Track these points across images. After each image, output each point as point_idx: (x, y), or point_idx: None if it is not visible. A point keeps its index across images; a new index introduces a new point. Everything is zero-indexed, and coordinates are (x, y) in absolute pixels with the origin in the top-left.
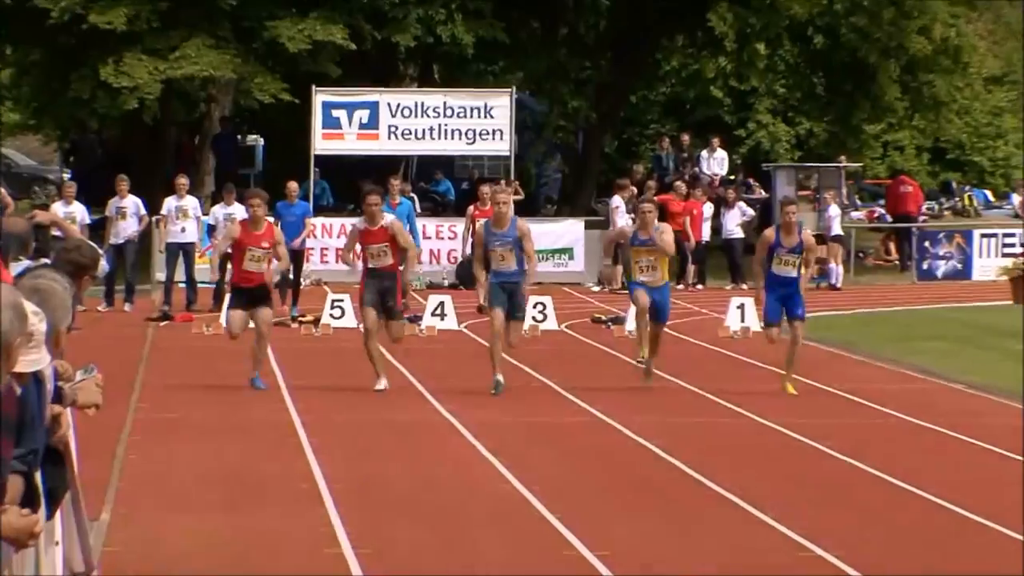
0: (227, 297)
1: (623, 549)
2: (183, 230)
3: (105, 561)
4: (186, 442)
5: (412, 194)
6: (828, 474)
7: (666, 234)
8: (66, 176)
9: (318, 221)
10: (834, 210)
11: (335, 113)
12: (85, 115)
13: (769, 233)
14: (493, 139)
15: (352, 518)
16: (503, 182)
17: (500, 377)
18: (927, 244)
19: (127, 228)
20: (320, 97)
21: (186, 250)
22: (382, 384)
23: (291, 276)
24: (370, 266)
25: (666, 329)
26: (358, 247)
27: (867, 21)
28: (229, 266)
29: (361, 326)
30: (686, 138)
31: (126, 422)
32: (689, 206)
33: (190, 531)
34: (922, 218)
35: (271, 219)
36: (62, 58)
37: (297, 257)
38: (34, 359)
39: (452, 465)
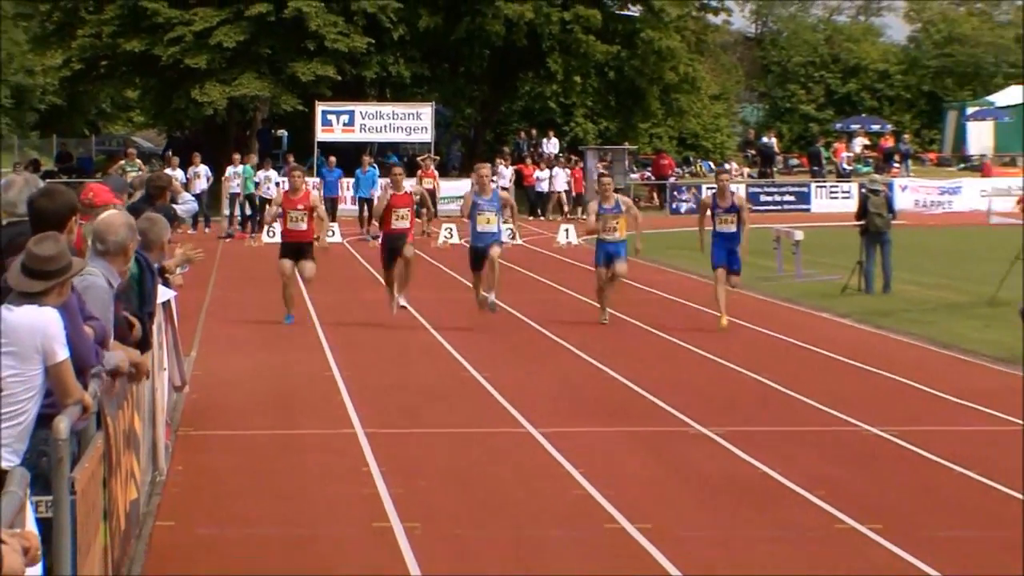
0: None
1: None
2: (236, 184)
3: (192, 379)
4: (246, 312)
5: (375, 164)
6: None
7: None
8: (170, 153)
9: (312, 180)
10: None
11: (328, 116)
12: (182, 118)
13: (707, 199)
14: (421, 133)
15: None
16: (429, 157)
17: (490, 297)
18: (676, 193)
19: (200, 184)
20: (320, 107)
21: (236, 196)
22: (401, 301)
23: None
24: (393, 227)
25: (523, 243)
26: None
27: (640, 62)
28: (277, 225)
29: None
30: (534, 132)
31: (206, 298)
32: (530, 170)
33: (244, 365)
34: (672, 178)
35: (309, 186)
36: (169, 85)
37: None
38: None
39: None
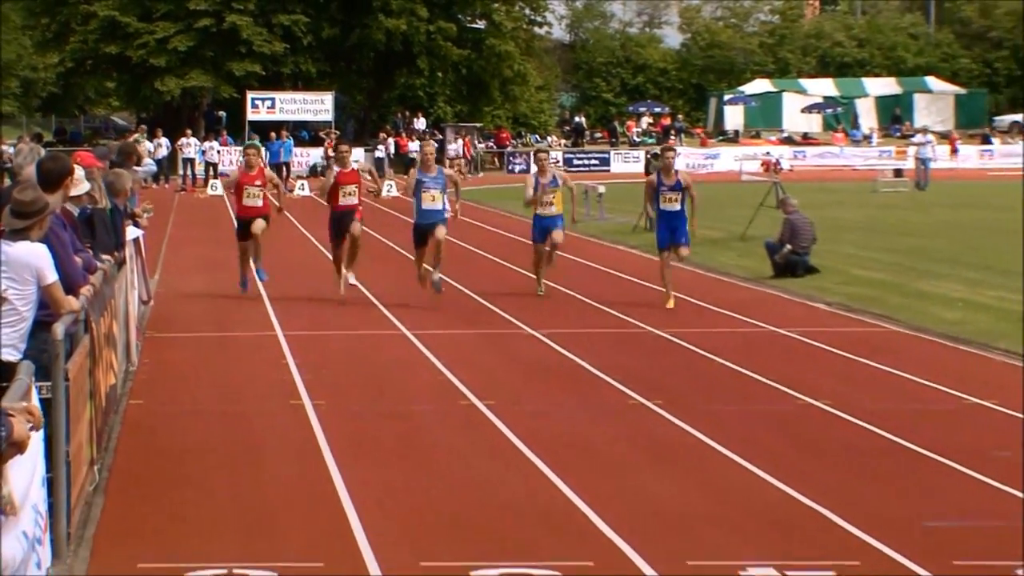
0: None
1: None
2: (188, 152)
3: (156, 295)
4: (196, 246)
5: (290, 137)
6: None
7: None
8: (143, 128)
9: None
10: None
11: (256, 102)
12: (148, 103)
13: (652, 178)
14: (324, 114)
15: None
16: (331, 131)
17: (435, 275)
18: (511, 158)
19: (161, 152)
20: (250, 95)
21: (189, 159)
22: (350, 280)
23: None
24: (341, 203)
25: (384, 207)
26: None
27: (484, 62)
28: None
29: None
30: (407, 113)
31: (166, 235)
32: (405, 142)
33: (195, 285)
34: (509, 147)
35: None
36: (138, 78)
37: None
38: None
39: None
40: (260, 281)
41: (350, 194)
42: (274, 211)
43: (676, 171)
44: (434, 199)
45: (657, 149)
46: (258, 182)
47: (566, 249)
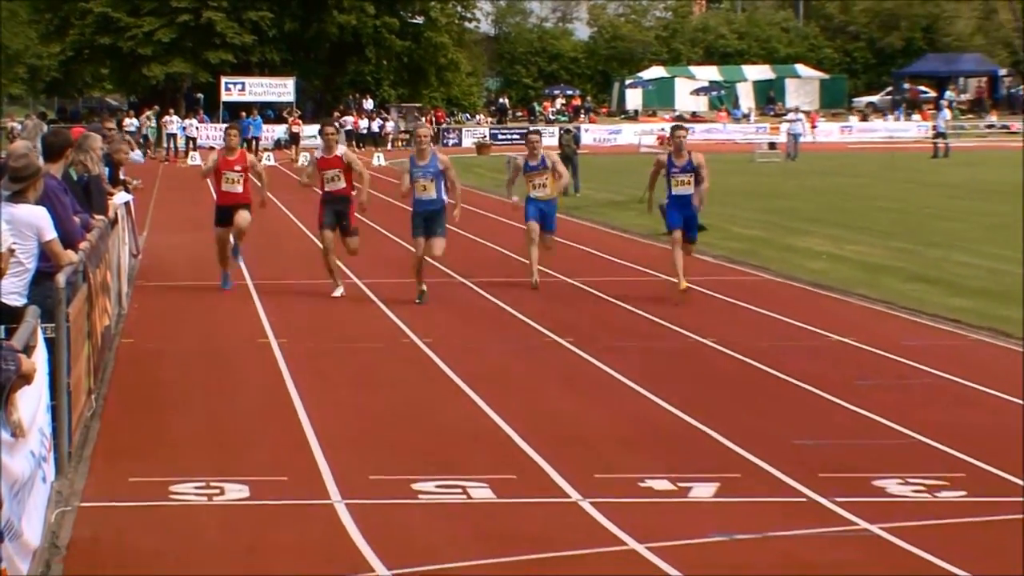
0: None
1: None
2: (172, 128)
3: (144, 250)
4: (179, 208)
5: (259, 116)
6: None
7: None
8: (155, 107)
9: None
10: (409, 126)
11: (229, 85)
12: (136, 87)
13: (662, 158)
14: (287, 96)
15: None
16: (294, 110)
17: (424, 287)
18: (445, 133)
19: (147, 127)
20: (224, 79)
21: (172, 134)
22: (338, 292)
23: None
24: (327, 190)
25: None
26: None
27: (423, 52)
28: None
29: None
30: (357, 95)
31: (153, 198)
32: (356, 119)
33: (177, 241)
34: (443, 124)
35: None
36: (128, 65)
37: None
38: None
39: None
40: (235, 258)
41: (334, 179)
42: (257, 203)
43: (688, 151)
44: (424, 188)
45: (667, 127)
46: (238, 167)
47: (490, 208)
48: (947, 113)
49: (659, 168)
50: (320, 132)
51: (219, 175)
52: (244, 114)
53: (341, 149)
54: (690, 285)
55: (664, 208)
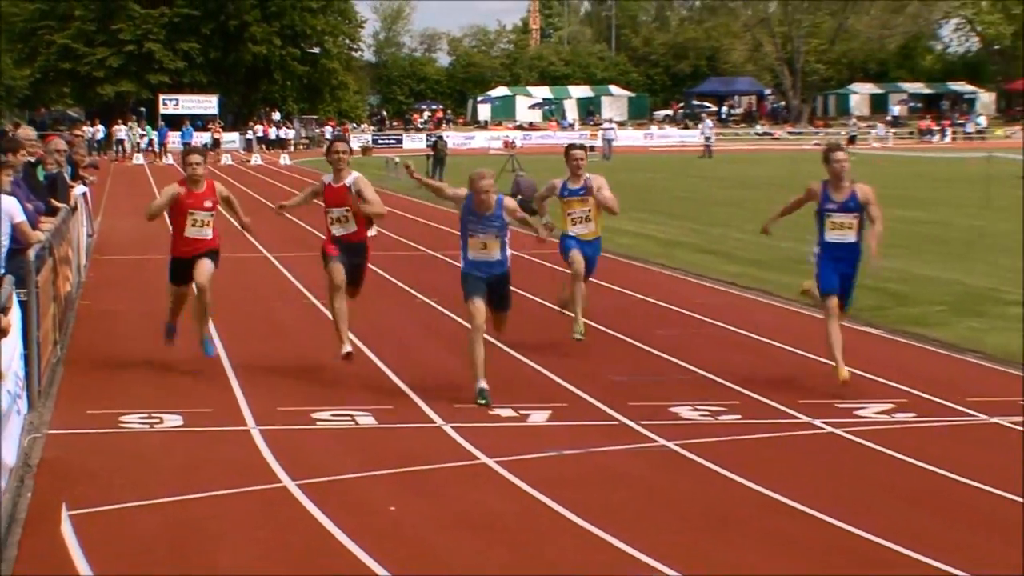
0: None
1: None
2: (120, 135)
3: (99, 231)
4: (127, 198)
5: (191, 125)
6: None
7: (603, 185)
8: (88, 121)
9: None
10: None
11: (166, 101)
12: (91, 102)
13: (815, 186)
14: (212, 109)
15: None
16: (217, 122)
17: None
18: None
19: (99, 134)
20: (161, 96)
21: (120, 140)
22: (346, 349)
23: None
24: (335, 233)
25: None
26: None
27: (319, 76)
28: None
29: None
30: (268, 108)
31: (106, 190)
32: (267, 128)
33: (129, 223)
34: (336, 132)
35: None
36: (85, 85)
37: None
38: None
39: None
40: (207, 356)
41: (341, 220)
42: (240, 228)
43: (853, 182)
44: (485, 247)
45: (821, 149)
46: (208, 202)
47: (394, 204)
48: (710, 123)
49: (808, 200)
50: (327, 152)
51: (180, 217)
52: (186, 123)
53: (351, 177)
54: (826, 361)
55: (817, 259)
